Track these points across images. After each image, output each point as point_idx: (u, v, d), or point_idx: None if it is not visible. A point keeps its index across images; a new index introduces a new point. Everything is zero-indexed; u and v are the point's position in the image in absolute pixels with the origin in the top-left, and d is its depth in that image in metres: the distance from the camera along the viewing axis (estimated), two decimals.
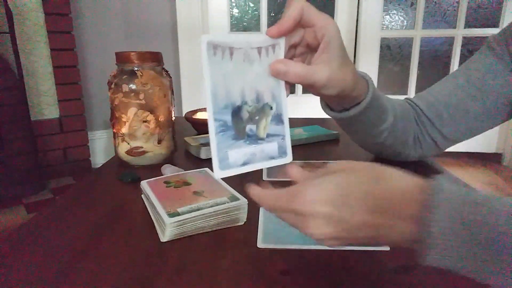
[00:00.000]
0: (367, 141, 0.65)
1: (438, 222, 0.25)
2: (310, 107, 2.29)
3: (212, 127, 0.36)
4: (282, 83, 0.39)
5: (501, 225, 0.25)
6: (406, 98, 0.69)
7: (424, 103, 0.65)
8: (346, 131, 0.64)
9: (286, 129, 0.40)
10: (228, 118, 0.36)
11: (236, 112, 0.37)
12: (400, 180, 0.28)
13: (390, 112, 0.59)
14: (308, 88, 0.42)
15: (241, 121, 0.37)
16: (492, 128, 0.64)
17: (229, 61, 0.36)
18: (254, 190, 0.32)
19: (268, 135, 0.39)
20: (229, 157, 0.37)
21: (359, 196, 0.27)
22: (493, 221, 0.25)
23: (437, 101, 0.64)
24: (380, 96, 0.56)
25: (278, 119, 0.40)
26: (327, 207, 0.27)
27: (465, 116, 0.62)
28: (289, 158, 0.41)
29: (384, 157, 0.70)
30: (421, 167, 0.69)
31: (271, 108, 0.39)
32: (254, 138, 0.39)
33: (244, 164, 0.38)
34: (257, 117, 0.39)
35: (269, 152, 0.40)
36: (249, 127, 0.38)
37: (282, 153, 0.40)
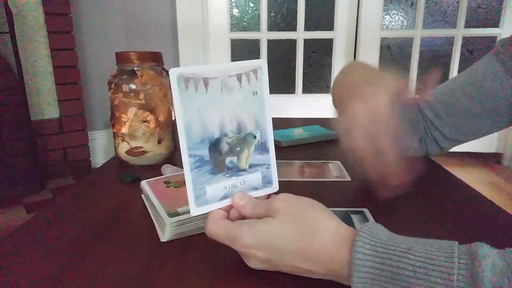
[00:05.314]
0: None
1: (359, 278, 0.30)
2: (310, 107, 2.29)
3: (186, 163, 0.34)
4: (267, 108, 0.37)
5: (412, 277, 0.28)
6: None
7: (425, 104, 0.66)
8: None
9: (272, 157, 0.39)
10: (204, 152, 0.35)
11: (214, 145, 0.35)
12: (328, 235, 0.32)
13: None
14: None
15: (220, 154, 0.36)
16: (495, 131, 0.64)
17: (204, 93, 0.34)
18: (211, 222, 0.36)
19: (251, 165, 0.38)
20: (207, 192, 0.36)
21: (288, 249, 0.33)
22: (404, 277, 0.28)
23: (436, 101, 0.65)
24: None
25: (263, 147, 0.38)
26: (260, 252, 0.33)
27: (463, 115, 0.63)
28: (274, 187, 0.39)
29: None
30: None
31: (255, 137, 0.37)
32: (235, 170, 0.37)
33: (224, 197, 0.37)
34: (238, 148, 0.37)
35: (252, 183, 0.38)
36: (229, 159, 0.37)
37: (266, 183, 0.39)
